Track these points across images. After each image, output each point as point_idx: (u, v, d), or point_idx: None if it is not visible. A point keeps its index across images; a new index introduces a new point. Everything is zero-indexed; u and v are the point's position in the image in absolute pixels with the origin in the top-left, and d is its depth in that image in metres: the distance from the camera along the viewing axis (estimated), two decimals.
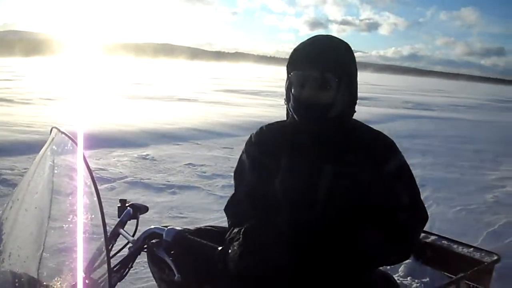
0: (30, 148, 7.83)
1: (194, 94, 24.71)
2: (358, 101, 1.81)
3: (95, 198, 1.38)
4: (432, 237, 2.54)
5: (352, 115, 1.84)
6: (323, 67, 1.70)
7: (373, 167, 1.75)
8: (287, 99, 1.81)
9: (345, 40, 1.80)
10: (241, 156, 2.01)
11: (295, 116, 1.78)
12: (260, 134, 1.98)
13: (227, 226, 1.90)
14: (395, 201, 1.76)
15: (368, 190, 1.73)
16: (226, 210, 1.97)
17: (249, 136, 2.01)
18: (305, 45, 1.79)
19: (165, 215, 5.47)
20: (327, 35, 1.86)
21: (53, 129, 1.73)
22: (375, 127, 1.89)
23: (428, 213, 1.83)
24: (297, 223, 1.77)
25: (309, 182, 1.77)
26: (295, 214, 1.79)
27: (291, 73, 1.76)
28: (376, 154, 1.77)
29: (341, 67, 1.73)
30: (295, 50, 1.80)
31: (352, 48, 1.83)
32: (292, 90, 1.77)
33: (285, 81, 1.81)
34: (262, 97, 25.75)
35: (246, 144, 2.00)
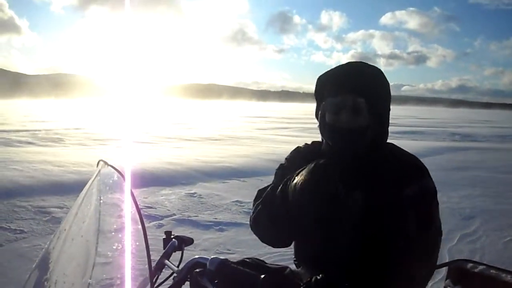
0: (78, 186, 7.99)
1: (240, 133, 25.00)
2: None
3: (139, 226, 1.42)
4: (480, 267, 2.46)
5: (386, 139, 1.85)
6: (355, 92, 1.72)
7: (394, 191, 1.68)
8: (321, 127, 1.84)
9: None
10: (282, 163, 2.06)
11: (330, 143, 1.80)
12: (296, 152, 2.05)
13: (272, 260, 1.91)
14: (402, 227, 1.65)
15: (388, 215, 1.67)
16: (259, 192, 2.00)
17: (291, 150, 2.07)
18: (334, 72, 1.82)
19: (212, 251, 5.49)
20: (357, 61, 1.87)
21: (100, 161, 1.80)
22: (422, 160, 1.84)
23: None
24: (328, 249, 1.78)
25: (338, 209, 1.74)
26: (326, 235, 1.78)
27: (324, 101, 1.79)
28: (401, 178, 1.70)
29: (372, 91, 1.74)
30: (323, 77, 1.84)
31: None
32: (326, 117, 1.79)
33: (316, 109, 1.86)
34: (308, 133, 25.70)
35: (285, 159, 2.06)
